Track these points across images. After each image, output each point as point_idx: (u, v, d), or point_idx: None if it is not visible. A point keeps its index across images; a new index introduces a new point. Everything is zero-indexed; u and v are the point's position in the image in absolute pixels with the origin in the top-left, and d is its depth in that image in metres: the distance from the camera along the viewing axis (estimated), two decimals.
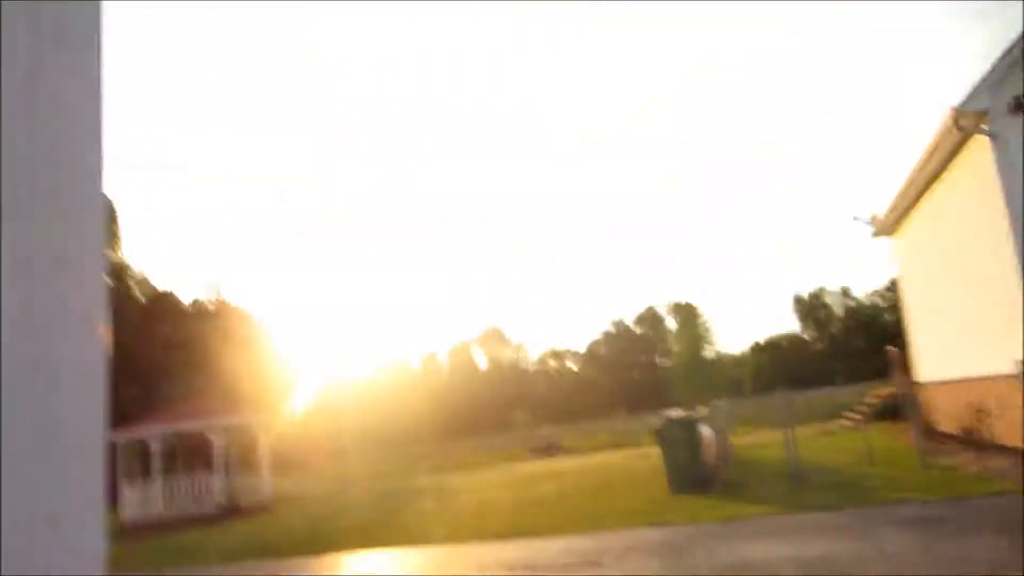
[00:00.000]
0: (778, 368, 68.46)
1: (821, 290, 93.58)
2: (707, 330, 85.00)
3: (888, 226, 16.93)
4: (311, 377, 46.27)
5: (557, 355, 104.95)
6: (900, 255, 17.47)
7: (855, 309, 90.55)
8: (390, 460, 39.93)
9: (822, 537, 7.25)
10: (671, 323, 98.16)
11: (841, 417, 21.98)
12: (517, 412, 51.91)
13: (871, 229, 17.53)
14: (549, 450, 34.19)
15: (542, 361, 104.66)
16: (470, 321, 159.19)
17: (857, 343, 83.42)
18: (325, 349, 72.57)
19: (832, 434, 19.49)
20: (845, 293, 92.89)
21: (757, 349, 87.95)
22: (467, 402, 75.27)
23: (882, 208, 16.56)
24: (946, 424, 14.56)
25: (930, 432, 13.71)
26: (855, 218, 17.82)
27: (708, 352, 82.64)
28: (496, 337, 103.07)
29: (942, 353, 14.92)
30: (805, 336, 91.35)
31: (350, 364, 67.08)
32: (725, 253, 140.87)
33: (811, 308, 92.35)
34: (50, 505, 0.71)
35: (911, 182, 13.50)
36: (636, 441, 30.40)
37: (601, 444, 32.72)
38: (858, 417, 20.13)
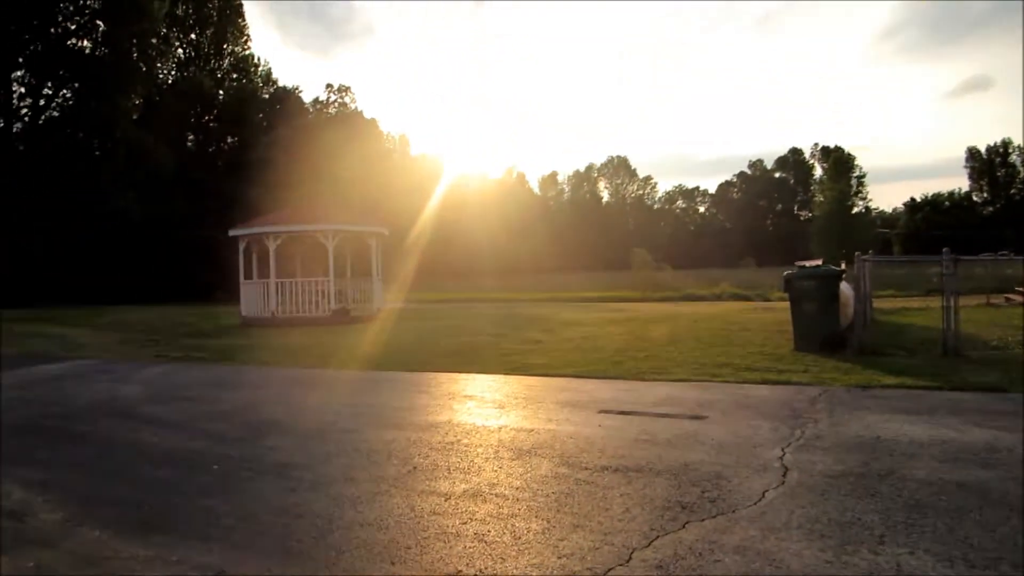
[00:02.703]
0: (935, 230, 62.01)
1: (1006, 144, 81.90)
2: (861, 182, 76.96)
3: None
4: (430, 189, 46.35)
5: (686, 194, 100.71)
6: None
7: None
8: (503, 285, 40.41)
9: (980, 422, 6.07)
10: (819, 170, 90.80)
11: (1012, 291, 19.51)
12: (637, 251, 50.63)
13: None
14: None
15: (669, 199, 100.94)
16: (596, 147, 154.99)
17: None
18: (447, 158, 72.20)
19: (998, 308, 17.35)
20: None
21: (912, 207, 79.46)
22: (585, 234, 74.37)
23: None
24: None
25: None
26: None
27: (856, 206, 75.19)
28: (622, 168, 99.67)
29: None
30: (975, 196, 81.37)
31: (471, 176, 66.44)
32: (888, 91, 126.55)
33: (989, 164, 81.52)
34: None
35: None
36: (762, 295, 29.02)
37: (723, 293, 31.39)
38: None
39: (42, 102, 40.34)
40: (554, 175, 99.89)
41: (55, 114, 40.24)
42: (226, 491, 4.76)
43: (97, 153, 38.34)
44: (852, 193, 73.67)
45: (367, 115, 54.01)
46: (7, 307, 28.11)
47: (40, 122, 39.61)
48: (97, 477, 5.21)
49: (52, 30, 38.56)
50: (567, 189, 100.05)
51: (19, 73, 39.44)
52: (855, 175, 75.91)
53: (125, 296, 35.47)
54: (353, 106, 54.54)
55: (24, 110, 40.28)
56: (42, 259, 36.82)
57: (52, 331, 18.79)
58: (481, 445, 5.77)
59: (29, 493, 4.79)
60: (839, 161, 74.07)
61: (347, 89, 54.87)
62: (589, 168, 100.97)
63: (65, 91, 40.54)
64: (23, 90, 40.10)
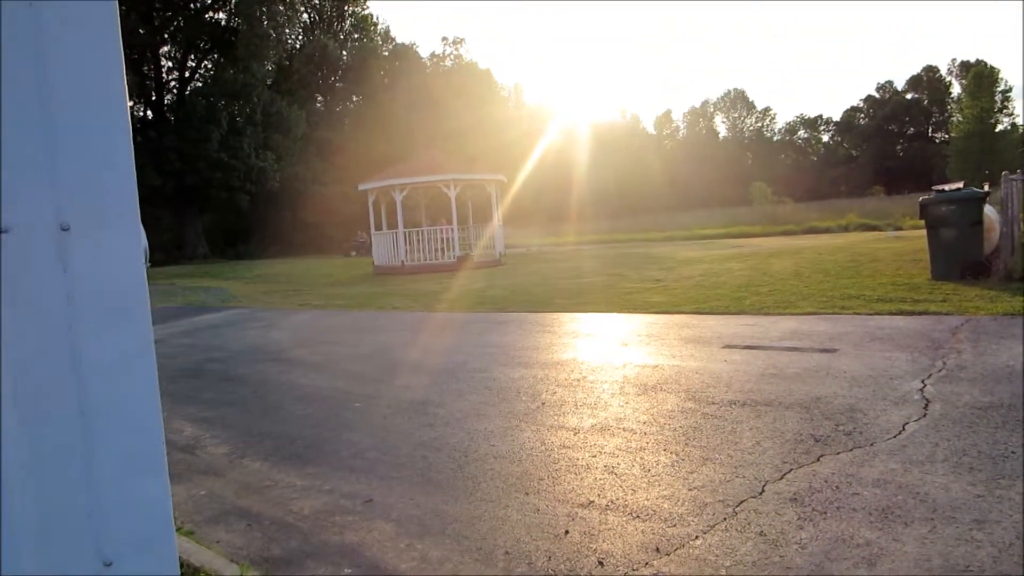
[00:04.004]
0: None
1: None
2: (1006, 97, 69.49)
3: None
4: (544, 135, 46.31)
5: (807, 123, 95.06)
6: None
7: None
8: (619, 226, 39.96)
9: None
10: (957, 88, 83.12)
11: None
12: (756, 185, 48.53)
13: None
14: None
15: (790, 130, 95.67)
16: (711, 82, 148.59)
17: None
18: (560, 105, 71.32)
19: None
20: None
21: None
22: (701, 171, 71.86)
23: None
24: None
25: None
26: None
27: (1001, 123, 68.01)
28: (739, 100, 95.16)
29: None
30: None
31: (584, 120, 65.52)
32: None
33: None
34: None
35: None
36: (893, 224, 27.36)
37: (849, 224, 29.76)
38: None
39: (187, 74, 43.24)
40: (668, 114, 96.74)
41: (199, 84, 43.06)
42: (369, 427, 5.09)
43: (238, 119, 40.74)
44: (996, 110, 66.82)
45: (481, 66, 54.48)
46: (169, 264, 31.15)
47: (186, 93, 42.49)
48: (254, 414, 5.68)
49: (192, 5, 41.04)
50: (682, 127, 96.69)
51: (166, 48, 42.49)
52: (999, 90, 68.69)
53: (268, 251, 38.06)
54: (468, 58, 55.11)
55: (172, 83, 43.39)
56: (197, 221, 40.03)
57: (209, 284, 20.49)
58: (606, 381, 5.86)
59: (197, 429, 5.30)
60: (980, 75, 67.23)
61: (461, 40, 55.34)
62: (704, 104, 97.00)
63: (206, 62, 43.24)
64: (170, 64, 43.18)
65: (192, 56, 43.33)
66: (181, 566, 2.72)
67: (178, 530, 3.35)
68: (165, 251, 37.57)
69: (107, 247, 1.07)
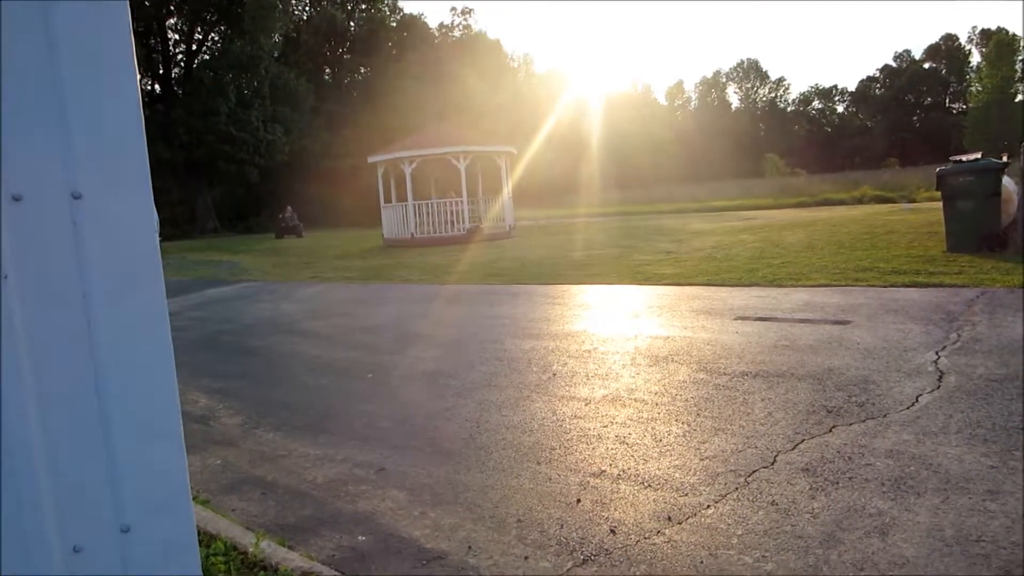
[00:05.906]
0: None
1: None
2: None
3: None
4: (555, 106, 45.97)
5: (822, 93, 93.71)
6: None
7: None
8: (631, 198, 39.76)
9: None
10: (977, 56, 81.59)
11: None
12: (769, 157, 48.04)
13: None
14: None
15: (804, 100, 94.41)
16: (724, 52, 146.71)
17: None
18: (571, 76, 70.59)
19: None
20: None
21: None
22: (714, 142, 71.14)
23: None
24: None
25: None
26: None
27: (1022, 93, 66.56)
28: (752, 71, 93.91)
29: None
30: None
31: (595, 91, 64.95)
32: None
33: None
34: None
35: None
36: (908, 196, 27.10)
37: (864, 196, 29.46)
38: None
39: (194, 47, 42.97)
40: (680, 84, 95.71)
41: (206, 57, 42.82)
42: (381, 397, 5.12)
43: (245, 92, 40.57)
44: (1016, 79, 65.47)
45: (490, 36, 54.09)
46: (179, 239, 31.23)
47: (194, 66, 42.27)
48: (267, 385, 5.73)
49: None
50: (694, 98, 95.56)
51: (173, 21, 42.13)
52: (1021, 59, 67.22)
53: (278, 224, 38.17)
54: (477, 28, 54.66)
55: (179, 56, 43.15)
56: (206, 195, 40.03)
57: (219, 258, 20.59)
58: (617, 352, 5.85)
59: (211, 400, 5.35)
60: (1002, 44, 65.81)
61: (470, 11, 55.00)
62: (716, 74, 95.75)
63: (213, 34, 42.93)
64: (177, 37, 42.92)
65: (199, 28, 43.02)
66: (198, 533, 2.76)
67: (194, 499, 3.39)
68: (175, 225, 37.69)
69: (119, 215, 1.07)
